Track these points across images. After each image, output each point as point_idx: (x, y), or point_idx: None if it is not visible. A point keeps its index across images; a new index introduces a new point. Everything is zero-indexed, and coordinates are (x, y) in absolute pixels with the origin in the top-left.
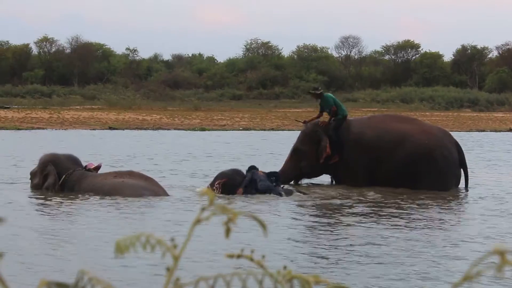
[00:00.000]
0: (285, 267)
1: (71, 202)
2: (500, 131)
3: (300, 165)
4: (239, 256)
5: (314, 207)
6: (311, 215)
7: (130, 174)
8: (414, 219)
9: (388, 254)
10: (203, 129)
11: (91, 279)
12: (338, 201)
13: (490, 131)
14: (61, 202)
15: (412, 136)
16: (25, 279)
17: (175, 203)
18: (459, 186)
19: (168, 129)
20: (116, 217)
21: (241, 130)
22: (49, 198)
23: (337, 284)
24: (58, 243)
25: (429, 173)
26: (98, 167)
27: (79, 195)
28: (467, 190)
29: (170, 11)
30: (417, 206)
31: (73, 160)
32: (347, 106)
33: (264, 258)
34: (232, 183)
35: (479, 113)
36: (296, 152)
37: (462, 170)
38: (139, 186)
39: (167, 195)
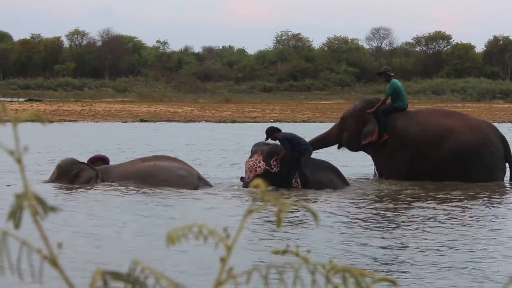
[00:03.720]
0: (331, 261)
1: (110, 193)
2: None
3: (342, 135)
4: (284, 252)
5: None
6: (357, 210)
7: (157, 157)
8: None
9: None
10: (234, 121)
11: (144, 268)
12: (384, 195)
13: None
14: (100, 194)
15: (456, 131)
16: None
17: (215, 194)
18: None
19: (199, 121)
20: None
21: (272, 122)
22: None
23: (383, 277)
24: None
25: (474, 168)
26: (105, 159)
27: (117, 185)
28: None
29: (201, 3)
30: (462, 200)
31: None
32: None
33: (309, 253)
34: (287, 156)
35: (511, 104)
36: (342, 121)
37: (508, 163)
38: (173, 167)
39: (198, 174)
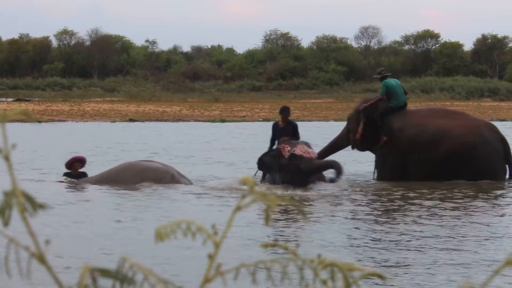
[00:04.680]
0: (319, 255)
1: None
2: None
3: (348, 135)
4: (273, 246)
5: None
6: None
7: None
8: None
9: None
10: (223, 121)
11: (133, 265)
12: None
13: (511, 120)
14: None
15: (451, 132)
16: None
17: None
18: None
19: (188, 121)
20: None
21: (261, 121)
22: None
23: (372, 271)
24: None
25: (470, 169)
26: (83, 161)
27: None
28: (510, 182)
29: (189, 3)
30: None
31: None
32: (367, 97)
33: (298, 248)
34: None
35: (500, 102)
36: (348, 122)
37: (507, 165)
38: (148, 163)
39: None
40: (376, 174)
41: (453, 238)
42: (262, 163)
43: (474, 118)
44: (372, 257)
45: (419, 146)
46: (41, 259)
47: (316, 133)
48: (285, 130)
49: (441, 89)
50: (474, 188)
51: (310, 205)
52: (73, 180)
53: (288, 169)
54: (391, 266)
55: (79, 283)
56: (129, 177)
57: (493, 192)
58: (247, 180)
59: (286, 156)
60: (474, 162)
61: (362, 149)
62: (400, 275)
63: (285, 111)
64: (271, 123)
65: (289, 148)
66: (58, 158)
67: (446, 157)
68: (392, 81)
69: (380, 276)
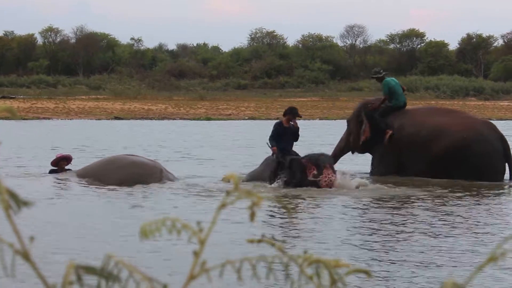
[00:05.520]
0: (305, 252)
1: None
2: (506, 119)
3: (349, 138)
4: (259, 241)
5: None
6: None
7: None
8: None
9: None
10: (208, 119)
11: (118, 262)
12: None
13: (496, 119)
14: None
15: (449, 130)
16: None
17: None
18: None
19: (173, 119)
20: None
21: (246, 119)
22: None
23: (358, 268)
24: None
25: (467, 167)
26: (68, 159)
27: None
28: (511, 182)
29: (175, 1)
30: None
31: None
32: (352, 95)
33: (285, 243)
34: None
35: (485, 101)
36: (348, 126)
37: (507, 163)
38: (136, 158)
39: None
40: (371, 170)
41: (446, 237)
42: (290, 166)
43: (472, 116)
44: (367, 255)
45: (418, 144)
46: (25, 256)
47: (302, 132)
48: (289, 131)
49: (426, 88)
50: (471, 188)
51: (314, 203)
52: (59, 174)
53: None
54: (383, 263)
55: (63, 280)
56: (116, 171)
57: (491, 192)
58: (231, 177)
59: (309, 179)
60: (472, 160)
61: (362, 151)
62: (393, 272)
63: (294, 112)
64: (256, 122)
65: (315, 173)
66: (43, 155)
67: (444, 155)
68: (392, 80)
69: (366, 273)
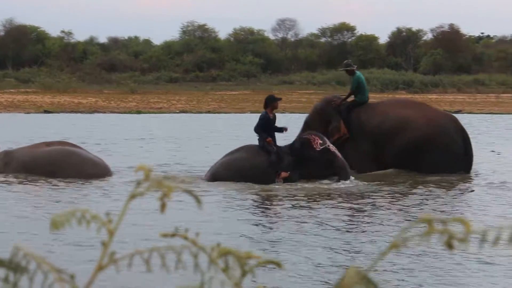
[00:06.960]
0: (218, 244)
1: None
2: None
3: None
4: (173, 235)
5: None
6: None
7: (60, 143)
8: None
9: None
10: (139, 112)
11: (27, 254)
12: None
13: None
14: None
15: (413, 122)
16: None
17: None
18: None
19: (104, 112)
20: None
21: (177, 113)
22: None
23: (269, 259)
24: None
25: (428, 159)
26: None
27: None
28: (469, 176)
29: None
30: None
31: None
32: (283, 89)
33: (198, 236)
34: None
35: (414, 94)
36: (306, 126)
37: (466, 155)
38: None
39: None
40: (354, 168)
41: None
42: (295, 149)
43: (435, 109)
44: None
45: (383, 135)
46: None
47: (234, 125)
48: (273, 121)
49: None
50: (432, 181)
51: (316, 202)
52: None
53: (319, 162)
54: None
55: None
56: (69, 165)
57: (452, 184)
58: (142, 168)
59: (318, 149)
60: (432, 151)
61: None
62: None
63: (277, 99)
64: (187, 115)
65: (320, 142)
66: None
67: (406, 146)
68: (362, 75)
69: (277, 264)
